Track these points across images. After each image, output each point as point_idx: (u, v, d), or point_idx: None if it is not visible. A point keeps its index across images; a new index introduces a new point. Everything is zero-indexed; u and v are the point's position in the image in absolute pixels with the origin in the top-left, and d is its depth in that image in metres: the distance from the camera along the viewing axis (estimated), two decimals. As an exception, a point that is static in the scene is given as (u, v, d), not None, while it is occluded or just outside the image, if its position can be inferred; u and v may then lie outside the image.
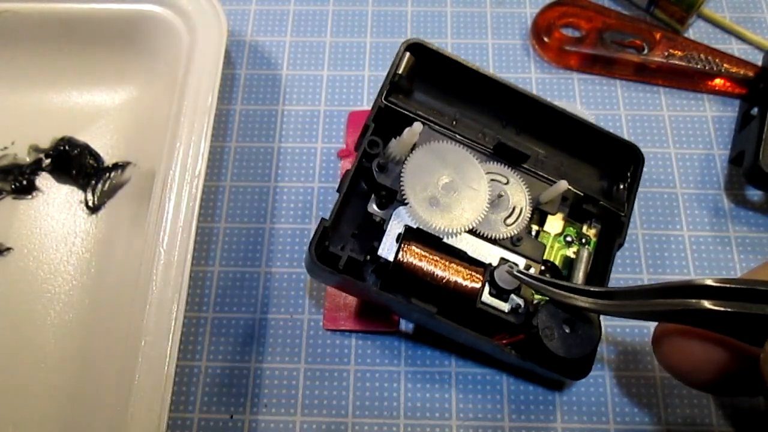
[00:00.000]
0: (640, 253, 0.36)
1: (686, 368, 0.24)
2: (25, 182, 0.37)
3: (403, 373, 0.33)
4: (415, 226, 0.30)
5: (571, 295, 0.27)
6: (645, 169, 0.34)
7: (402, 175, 0.29)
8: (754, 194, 0.37)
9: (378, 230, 0.30)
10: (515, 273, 0.28)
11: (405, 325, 0.34)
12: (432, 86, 0.34)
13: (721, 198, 0.37)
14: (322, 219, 0.29)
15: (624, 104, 0.40)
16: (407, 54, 0.33)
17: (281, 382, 0.33)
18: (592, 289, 0.26)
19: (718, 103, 0.40)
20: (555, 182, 0.31)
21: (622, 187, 0.34)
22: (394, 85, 0.32)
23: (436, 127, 0.32)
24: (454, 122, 0.34)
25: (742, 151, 0.36)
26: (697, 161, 0.38)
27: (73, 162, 0.37)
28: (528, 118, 0.34)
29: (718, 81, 0.40)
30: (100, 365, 0.31)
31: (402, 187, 0.29)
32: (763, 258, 0.36)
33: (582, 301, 0.26)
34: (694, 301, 0.21)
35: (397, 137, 0.30)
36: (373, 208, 0.30)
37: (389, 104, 0.32)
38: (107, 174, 0.37)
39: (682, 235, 0.36)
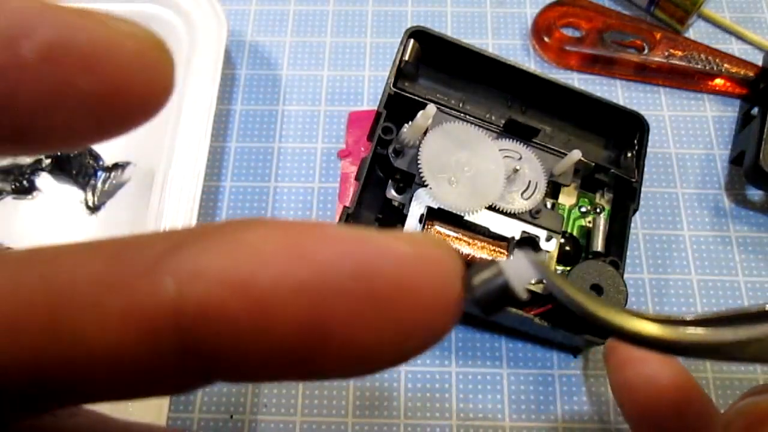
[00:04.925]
0: (641, 252, 0.36)
1: None
2: (25, 182, 0.37)
3: (403, 373, 0.33)
4: (436, 207, 0.30)
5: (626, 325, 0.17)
6: (645, 169, 0.34)
7: (419, 157, 0.30)
8: (755, 194, 0.37)
9: (398, 214, 0.31)
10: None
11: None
12: (437, 71, 0.35)
13: (721, 198, 0.37)
14: (345, 207, 0.29)
15: (624, 104, 0.40)
16: (411, 41, 0.33)
17: (281, 382, 0.33)
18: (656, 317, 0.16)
19: (719, 103, 0.40)
20: (566, 154, 0.31)
21: (630, 155, 0.34)
22: (400, 72, 0.33)
23: (446, 109, 0.33)
24: (462, 104, 0.35)
25: (743, 151, 0.36)
26: (697, 161, 0.38)
27: (73, 162, 0.37)
28: (532, 96, 0.35)
29: (718, 81, 0.40)
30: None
31: (420, 170, 0.30)
32: (764, 257, 0.36)
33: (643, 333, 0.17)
34: None
35: (409, 122, 0.31)
36: (391, 193, 0.31)
37: (398, 91, 0.33)
38: (107, 174, 0.37)
39: (682, 234, 0.36)
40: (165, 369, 0.09)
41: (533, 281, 0.19)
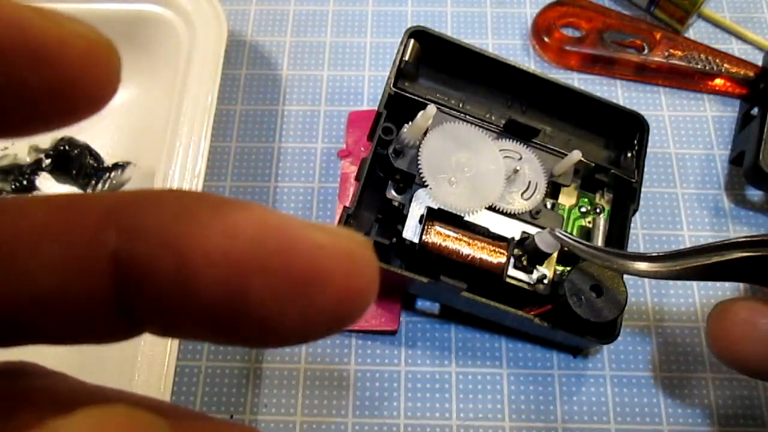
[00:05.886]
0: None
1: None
2: (25, 182, 0.37)
3: (403, 373, 0.33)
4: (436, 207, 0.30)
5: (620, 260, 0.26)
6: (645, 169, 0.34)
7: (419, 157, 0.30)
8: (755, 194, 0.37)
9: (398, 215, 0.31)
10: (558, 234, 0.28)
11: (404, 325, 0.34)
12: (436, 71, 0.35)
13: (721, 198, 0.37)
14: (345, 207, 0.29)
15: (624, 104, 0.40)
16: (412, 41, 0.33)
17: (281, 382, 0.33)
18: (644, 254, 0.26)
19: (718, 103, 0.40)
20: (566, 155, 0.31)
21: (630, 155, 0.35)
22: (400, 72, 0.33)
23: (446, 109, 0.33)
24: (462, 104, 0.35)
25: (743, 151, 0.36)
26: (697, 161, 0.38)
27: (73, 162, 0.37)
28: (532, 96, 0.35)
29: (718, 81, 0.40)
30: (98, 364, 0.31)
31: (420, 170, 0.30)
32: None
33: (633, 267, 0.26)
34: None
35: (409, 123, 0.31)
36: (391, 193, 0.31)
37: (399, 91, 0.33)
38: (107, 174, 0.37)
39: (682, 235, 0.36)
40: (100, 312, 0.10)
41: (556, 246, 0.29)
